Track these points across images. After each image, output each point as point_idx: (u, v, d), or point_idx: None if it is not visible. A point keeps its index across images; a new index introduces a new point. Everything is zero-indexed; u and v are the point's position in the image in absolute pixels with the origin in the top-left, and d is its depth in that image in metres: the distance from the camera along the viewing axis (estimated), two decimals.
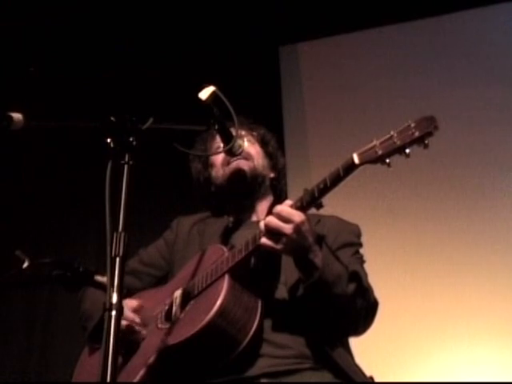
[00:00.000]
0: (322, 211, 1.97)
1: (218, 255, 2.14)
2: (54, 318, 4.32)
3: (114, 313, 1.57)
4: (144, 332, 2.17)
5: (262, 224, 1.96)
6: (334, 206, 1.99)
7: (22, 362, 4.25)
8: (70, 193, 4.51)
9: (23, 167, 4.62)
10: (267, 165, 2.44)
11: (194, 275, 2.18)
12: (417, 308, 3.85)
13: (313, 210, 1.97)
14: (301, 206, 1.94)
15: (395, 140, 1.78)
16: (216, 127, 2.08)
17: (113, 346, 1.53)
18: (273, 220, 1.92)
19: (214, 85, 2.01)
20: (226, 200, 2.43)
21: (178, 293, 2.17)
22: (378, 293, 2.14)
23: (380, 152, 1.80)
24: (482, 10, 4.48)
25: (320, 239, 1.98)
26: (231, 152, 2.17)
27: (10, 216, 4.48)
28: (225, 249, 2.16)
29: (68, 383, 2.35)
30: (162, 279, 2.40)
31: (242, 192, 2.37)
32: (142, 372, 2.01)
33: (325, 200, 1.93)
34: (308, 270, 1.95)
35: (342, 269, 2.00)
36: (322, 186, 1.90)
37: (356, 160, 1.83)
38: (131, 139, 1.79)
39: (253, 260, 2.11)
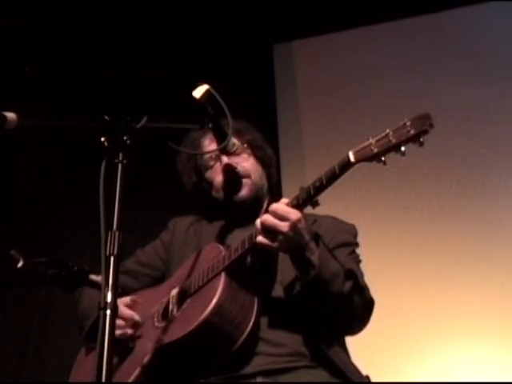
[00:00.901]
0: (318, 210, 1.97)
1: (215, 254, 2.14)
2: (49, 317, 4.31)
3: (108, 312, 1.57)
4: (139, 331, 2.18)
5: (258, 222, 1.95)
6: (329, 205, 2.00)
7: (18, 362, 4.24)
8: (70, 193, 4.50)
9: (23, 167, 4.61)
10: (262, 171, 2.41)
11: (190, 274, 2.18)
12: (413, 307, 3.84)
13: (309, 210, 1.97)
14: (297, 205, 1.94)
15: (391, 138, 1.78)
16: (210, 126, 2.08)
17: (108, 345, 1.53)
18: (269, 218, 1.92)
19: (207, 83, 2.01)
20: (223, 209, 2.41)
21: (174, 291, 2.18)
22: (375, 292, 2.14)
23: (376, 150, 1.80)
24: (479, 8, 4.47)
25: (317, 237, 1.98)
26: (225, 151, 2.17)
27: (9, 216, 4.48)
28: (221, 247, 2.16)
29: (65, 383, 2.35)
30: (158, 280, 2.40)
31: (245, 209, 2.34)
32: (137, 371, 2.02)
33: (320, 199, 1.92)
34: (305, 267, 1.95)
35: (338, 267, 2.00)
36: (317, 184, 1.89)
37: (352, 158, 1.83)
38: (125, 138, 1.79)
39: (249, 259, 2.12)
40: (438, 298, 3.84)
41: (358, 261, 2.24)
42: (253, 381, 1.96)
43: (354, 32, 4.65)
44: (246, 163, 2.35)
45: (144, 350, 2.06)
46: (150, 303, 2.25)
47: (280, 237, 1.91)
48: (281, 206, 1.93)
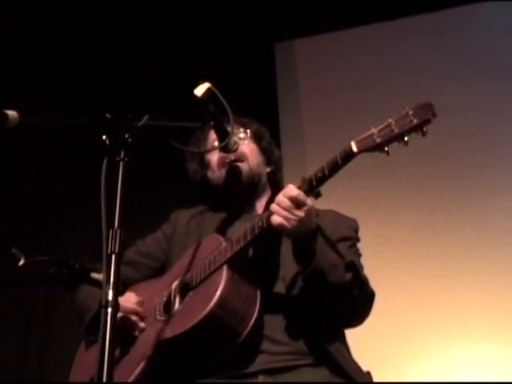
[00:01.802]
0: (319, 205, 1.97)
1: (215, 245, 2.14)
2: (51, 315, 4.32)
3: (109, 310, 1.57)
4: (142, 324, 2.17)
5: (273, 205, 1.93)
6: (331, 199, 1.99)
7: (19, 360, 4.25)
8: (70, 193, 4.50)
9: (23, 167, 4.61)
10: (262, 161, 2.43)
11: (191, 266, 2.17)
12: (414, 303, 3.84)
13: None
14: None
15: (393, 128, 1.77)
16: (211, 124, 2.08)
17: (109, 343, 1.53)
18: (286, 201, 1.90)
19: (209, 81, 2.01)
20: (223, 199, 2.43)
21: (175, 284, 2.17)
22: (376, 288, 2.13)
23: (378, 140, 1.78)
24: (481, 6, 4.47)
25: (318, 228, 1.98)
26: (227, 149, 2.17)
27: (9, 216, 4.48)
28: (221, 238, 2.16)
29: (66, 383, 2.35)
30: (159, 270, 2.40)
31: (240, 193, 2.36)
32: (142, 364, 2.02)
33: (322, 194, 1.92)
34: (306, 257, 1.94)
35: (337, 258, 1.99)
36: (320, 174, 1.88)
37: (354, 148, 1.82)
38: (127, 136, 1.79)
39: (251, 251, 2.12)
40: (439, 296, 3.84)
41: (358, 255, 2.24)
42: (254, 380, 1.96)
43: (356, 31, 4.65)
44: (244, 147, 2.35)
45: (147, 344, 2.06)
46: (151, 296, 2.24)
47: (294, 221, 1.89)
48: (300, 192, 1.91)
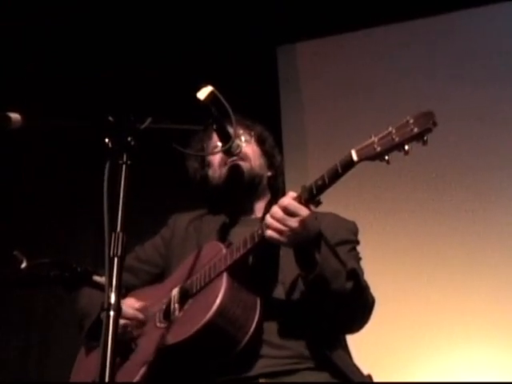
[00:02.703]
0: (318, 207, 1.97)
1: (215, 252, 2.14)
2: (52, 318, 4.31)
3: (112, 313, 1.57)
4: (141, 331, 2.17)
5: (267, 217, 1.94)
6: (330, 202, 1.99)
7: (20, 362, 4.24)
8: (70, 193, 4.50)
9: (23, 167, 4.61)
10: (264, 164, 2.43)
11: (191, 273, 2.17)
12: (415, 307, 3.84)
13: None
14: (299, 203, 1.93)
15: (394, 136, 1.75)
16: (214, 127, 2.08)
17: (111, 347, 1.53)
18: (278, 212, 1.90)
19: (212, 84, 2.01)
20: (223, 199, 2.43)
21: (175, 291, 2.17)
22: (375, 291, 2.13)
23: (379, 149, 1.77)
24: (484, 9, 4.45)
25: (320, 235, 1.97)
26: (229, 152, 2.17)
27: (9, 216, 4.48)
28: (222, 245, 2.16)
29: (67, 383, 2.35)
30: (158, 276, 2.40)
31: (240, 193, 2.37)
32: (142, 371, 2.01)
33: (321, 196, 1.91)
34: (308, 264, 1.94)
35: (339, 265, 1.99)
36: (320, 182, 1.88)
37: (354, 157, 1.81)
38: (129, 139, 1.79)
39: (251, 259, 2.11)
40: (440, 300, 3.83)
41: (358, 258, 2.24)
42: (255, 383, 1.96)
43: (359, 34, 4.64)
44: (247, 148, 2.36)
45: (147, 350, 2.06)
46: (151, 302, 2.24)
47: (289, 232, 1.90)
48: (291, 201, 1.91)
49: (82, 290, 2.35)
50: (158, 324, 2.15)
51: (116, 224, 1.66)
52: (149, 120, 1.86)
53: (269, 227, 1.92)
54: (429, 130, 1.72)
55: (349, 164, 1.83)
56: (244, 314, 1.98)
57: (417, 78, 4.41)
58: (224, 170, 2.35)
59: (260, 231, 1.98)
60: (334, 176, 1.85)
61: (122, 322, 2.06)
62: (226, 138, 2.10)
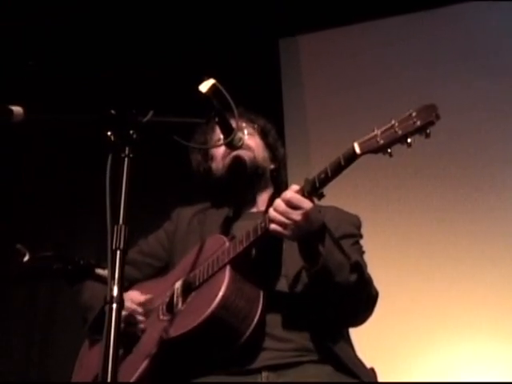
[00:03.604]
0: (321, 201, 1.96)
1: (219, 245, 2.14)
2: (54, 311, 4.32)
3: (114, 306, 1.57)
4: (145, 324, 2.18)
5: (270, 210, 1.94)
6: (333, 196, 1.99)
7: (23, 355, 4.25)
8: (70, 193, 4.51)
9: (23, 167, 4.61)
10: (267, 156, 2.44)
11: (194, 266, 2.18)
12: (418, 300, 3.84)
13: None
14: (302, 196, 1.93)
15: (396, 129, 1.75)
16: (216, 120, 2.07)
17: (113, 340, 1.53)
18: (281, 205, 1.91)
19: (214, 78, 2.01)
20: (226, 191, 2.43)
21: (178, 284, 2.17)
22: (379, 285, 2.14)
23: (381, 142, 1.77)
24: (486, 3, 4.44)
25: (324, 227, 1.97)
26: (232, 145, 2.17)
27: (10, 216, 4.48)
28: (225, 239, 2.16)
29: (70, 383, 2.36)
30: (161, 270, 2.40)
31: (242, 183, 2.37)
32: (145, 363, 2.02)
33: (324, 189, 1.91)
34: (312, 257, 1.94)
35: (344, 258, 1.99)
36: (322, 175, 1.88)
37: (357, 150, 1.81)
38: (131, 132, 1.79)
39: (254, 251, 2.11)
40: (443, 294, 3.84)
41: (361, 252, 2.24)
42: (258, 375, 1.96)
43: (360, 26, 4.63)
44: (250, 141, 2.37)
45: (150, 343, 2.07)
46: (154, 295, 2.24)
47: (292, 225, 1.90)
48: (294, 194, 1.92)
49: (85, 283, 2.35)
50: (161, 317, 2.15)
51: (118, 217, 1.65)
52: (151, 113, 1.86)
53: (272, 220, 1.92)
54: (431, 123, 1.71)
55: (351, 157, 1.82)
56: (247, 307, 1.98)
57: (419, 70, 4.41)
58: (227, 160, 2.35)
59: (263, 224, 1.98)
60: (337, 169, 1.85)
61: (124, 314, 2.07)
62: (228, 131, 2.10)
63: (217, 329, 1.94)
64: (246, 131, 2.37)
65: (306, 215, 1.89)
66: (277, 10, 4.59)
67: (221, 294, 1.95)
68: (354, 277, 1.99)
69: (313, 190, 1.91)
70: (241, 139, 2.16)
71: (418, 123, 1.72)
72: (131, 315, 2.15)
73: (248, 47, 4.59)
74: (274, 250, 2.13)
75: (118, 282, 1.60)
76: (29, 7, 4.46)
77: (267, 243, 2.06)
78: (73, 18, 4.57)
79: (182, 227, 2.43)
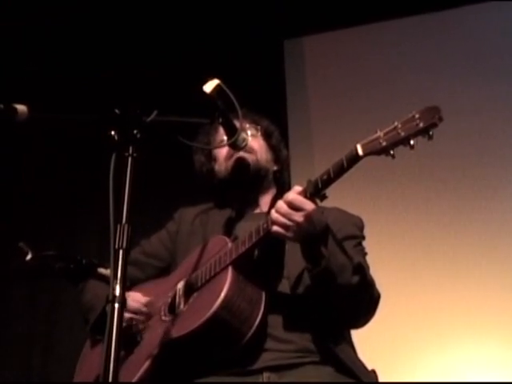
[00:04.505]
0: (324, 202, 1.97)
1: (221, 246, 2.14)
2: (55, 311, 4.32)
3: (116, 305, 1.57)
4: (147, 324, 2.18)
5: (272, 211, 1.94)
6: (336, 197, 1.99)
7: (23, 356, 4.25)
8: (70, 192, 4.51)
9: (23, 167, 4.62)
10: (270, 158, 2.44)
11: (196, 267, 2.17)
12: (420, 302, 3.84)
13: None
14: (304, 198, 1.93)
15: (399, 131, 1.76)
16: (220, 120, 2.07)
17: (115, 339, 1.53)
18: (283, 207, 1.91)
19: (218, 78, 2.01)
20: (228, 192, 2.43)
21: (180, 284, 2.17)
22: (381, 286, 2.14)
23: (384, 143, 1.78)
24: (493, 4, 4.43)
25: (327, 229, 1.97)
26: (235, 145, 2.16)
27: (10, 216, 4.48)
28: (227, 240, 2.16)
29: (72, 383, 2.36)
30: (164, 270, 2.40)
31: (245, 185, 2.37)
32: (147, 364, 2.02)
33: (327, 191, 1.91)
34: (314, 258, 1.95)
35: (346, 260, 1.99)
36: (325, 177, 1.88)
37: (360, 151, 1.81)
38: (135, 132, 1.79)
39: (256, 253, 2.11)
40: (445, 295, 3.83)
41: (363, 254, 2.24)
42: (259, 376, 1.97)
43: (365, 28, 4.63)
44: (253, 142, 2.36)
45: (151, 344, 2.07)
46: (156, 296, 2.25)
47: (294, 227, 1.90)
48: (296, 196, 1.92)
49: (87, 282, 2.35)
50: (163, 317, 2.15)
51: (121, 216, 1.65)
52: (155, 113, 1.86)
53: (274, 222, 1.93)
54: (434, 125, 1.72)
55: (354, 158, 1.83)
56: (249, 308, 1.98)
57: (423, 72, 4.40)
58: (230, 162, 2.35)
59: (265, 225, 1.98)
60: (340, 170, 1.85)
61: (127, 315, 2.07)
62: (232, 132, 2.10)
63: (218, 329, 1.94)
64: (249, 132, 2.37)
65: (309, 217, 1.89)
66: (282, 12, 4.59)
67: (223, 294, 1.95)
68: (356, 278, 1.99)
69: (315, 192, 1.91)
70: (244, 140, 2.16)
71: (421, 125, 1.72)
72: (134, 316, 2.16)
73: (253, 48, 4.59)
74: (276, 251, 2.13)
75: (121, 282, 1.60)
76: (29, 7, 4.46)
77: (269, 244, 2.06)
78: (74, 18, 4.57)
79: (184, 228, 2.43)
